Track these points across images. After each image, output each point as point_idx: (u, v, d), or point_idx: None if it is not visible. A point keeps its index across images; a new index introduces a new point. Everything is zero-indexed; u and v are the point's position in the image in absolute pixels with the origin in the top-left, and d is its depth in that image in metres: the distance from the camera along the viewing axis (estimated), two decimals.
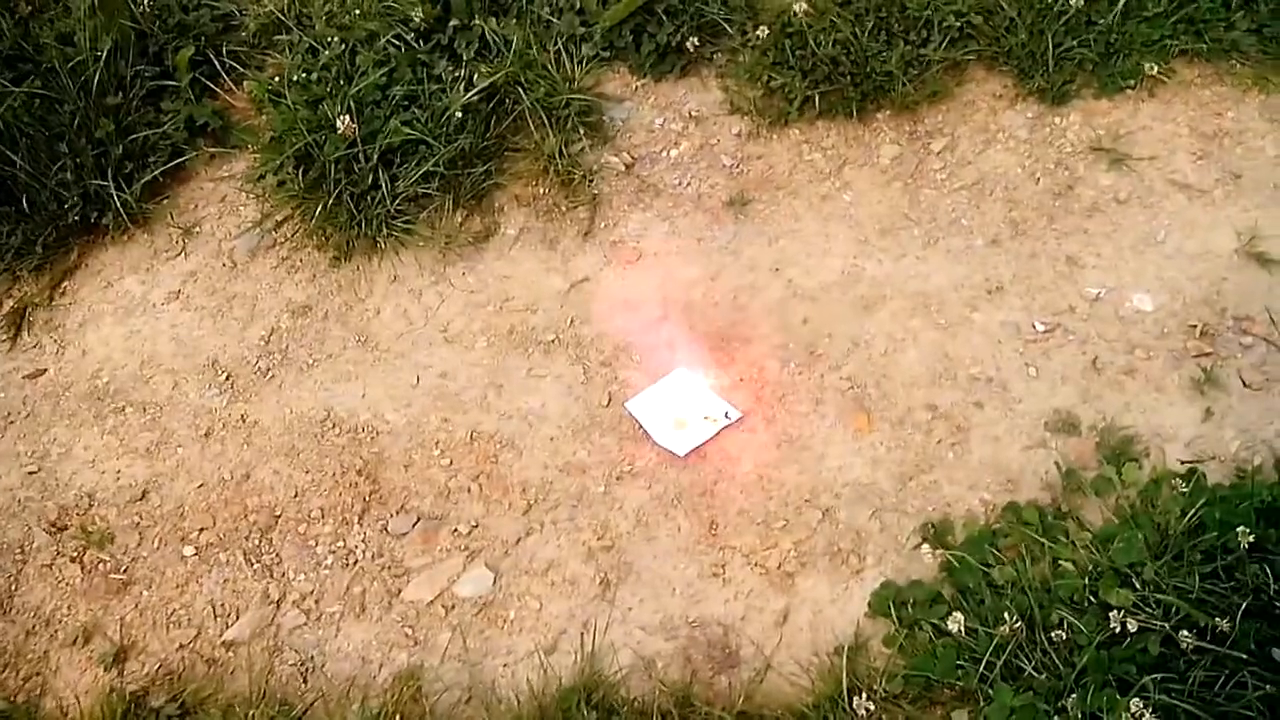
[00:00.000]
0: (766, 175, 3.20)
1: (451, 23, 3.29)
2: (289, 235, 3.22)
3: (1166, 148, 3.11)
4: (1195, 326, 2.79)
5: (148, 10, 3.39)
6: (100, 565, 2.72)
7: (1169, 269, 2.90)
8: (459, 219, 3.18)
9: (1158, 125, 3.15)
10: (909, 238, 3.05)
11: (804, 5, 3.17)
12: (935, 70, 3.20)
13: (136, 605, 2.65)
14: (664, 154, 3.28)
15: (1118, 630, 2.20)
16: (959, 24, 3.22)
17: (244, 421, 2.92)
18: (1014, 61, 3.25)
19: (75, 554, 2.73)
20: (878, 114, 3.26)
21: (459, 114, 3.12)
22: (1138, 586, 2.29)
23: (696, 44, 3.32)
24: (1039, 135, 3.18)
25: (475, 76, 3.19)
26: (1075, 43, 3.19)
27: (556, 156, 3.18)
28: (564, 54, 3.28)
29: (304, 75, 3.22)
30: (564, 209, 3.18)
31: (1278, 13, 3.18)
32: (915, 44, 3.20)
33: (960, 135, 3.21)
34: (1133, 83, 3.19)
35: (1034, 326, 2.85)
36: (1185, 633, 2.16)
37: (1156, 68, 3.17)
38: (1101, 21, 3.17)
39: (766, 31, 3.22)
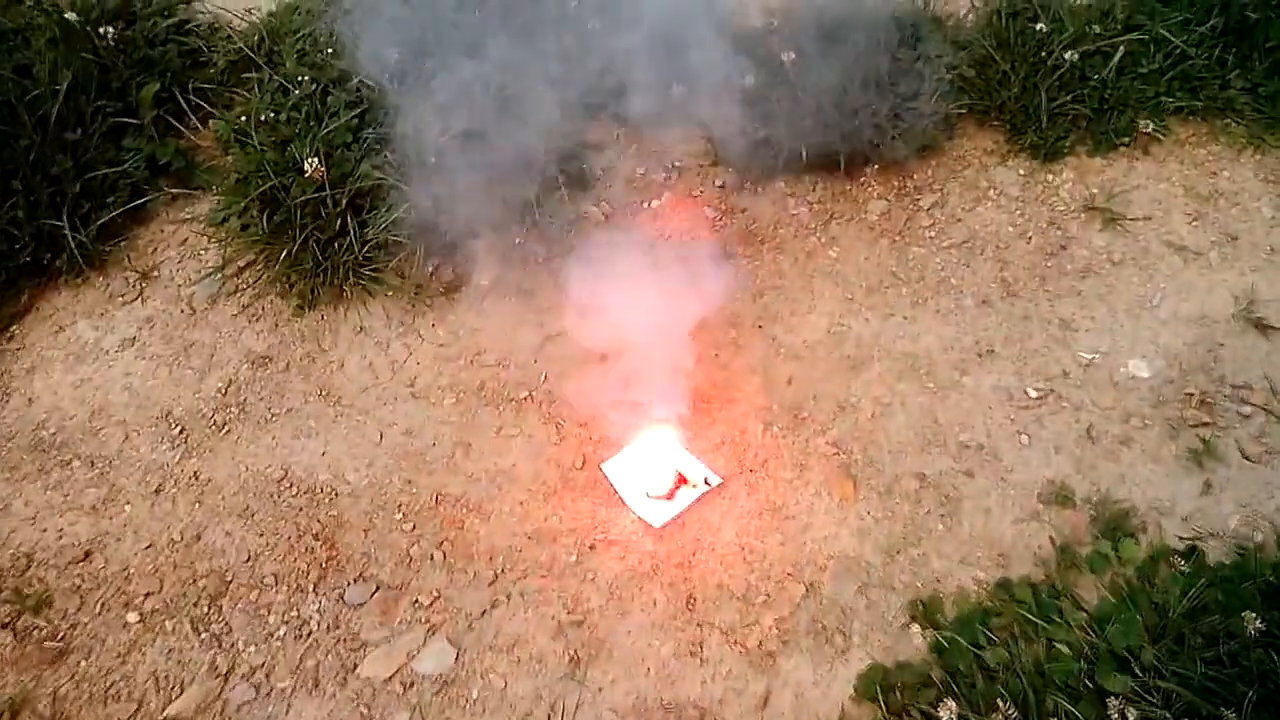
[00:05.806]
0: (750, 229, 3.10)
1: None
2: (251, 281, 3.08)
3: (1161, 208, 3.03)
4: (1192, 395, 2.70)
5: (111, 44, 3.27)
6: (35, 631, 2.54)
7: (1165, 334, 2.81)
8: (430, 268, 3.05)
9: (1152, 184, 3.07)
10: (897, 296, 2.95)
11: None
12: (925, 124, 3.12)
13: (72, 676, 2.48)
14: (645, 205, 3.17)
15: (1117, 719, 2.08)
16: (950, 76, 3.14)
17: (197, 479, 2.76)
18: (1006, 116, 3.18)
19: (8, 619, 2.55)
20: (866, 168, 3.17)
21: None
22: (1137, 672, 2.18)
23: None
24: (1031, 193, 3.09)
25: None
26: (1069, 98, 3.12)
27: (534, 205, 3.06)
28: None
29: (273, 115, 3.10)
30: (539, 259, 3.05)
31: (1273, 71, 3.13)
32: (905, 96, 3.11)
33: (950, 191, 3.12)
34: (1127, 140, 3.13)
35: (1026, 392, 2.74)
36: None
37: (1151, 125, 3.10)
38: (1095, 77, 3.11)
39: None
